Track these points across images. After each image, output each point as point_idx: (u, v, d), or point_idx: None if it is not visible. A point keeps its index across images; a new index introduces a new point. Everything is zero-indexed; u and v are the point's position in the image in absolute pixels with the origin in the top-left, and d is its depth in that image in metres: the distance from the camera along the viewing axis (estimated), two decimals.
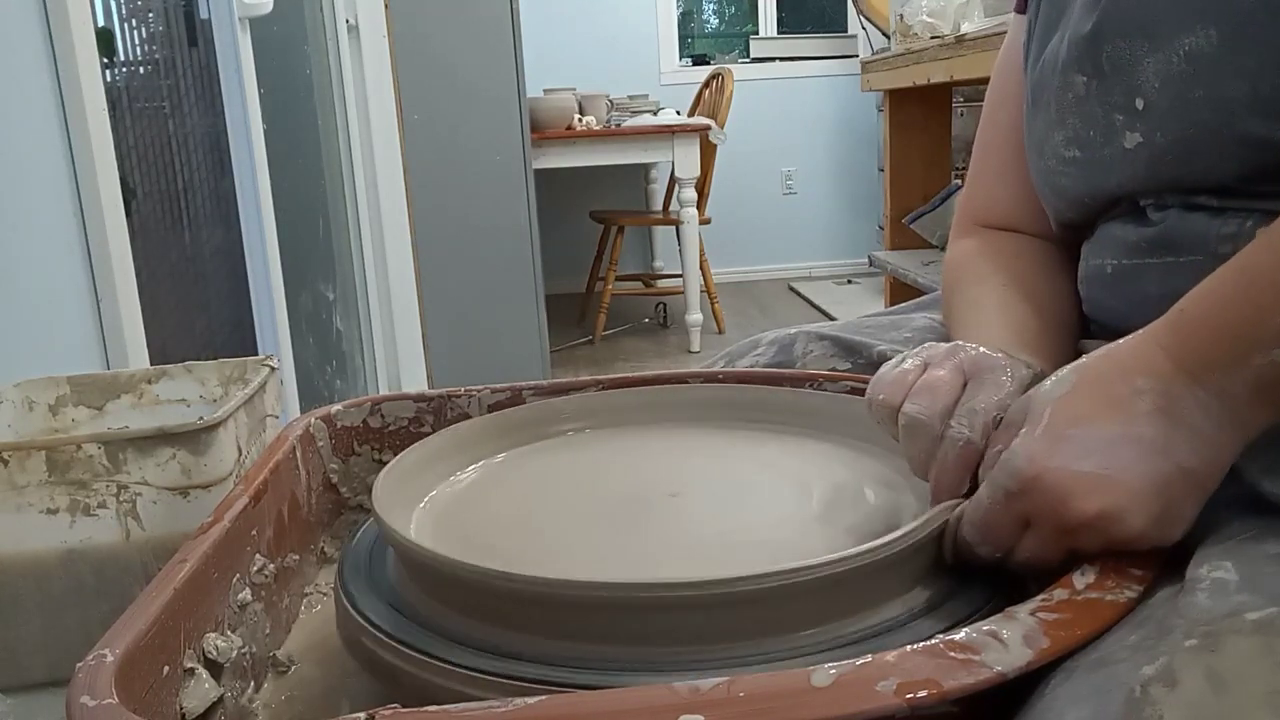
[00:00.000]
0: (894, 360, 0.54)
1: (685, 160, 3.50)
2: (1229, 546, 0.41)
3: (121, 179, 1.16)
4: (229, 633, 0.50)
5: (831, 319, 3.39)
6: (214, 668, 0.48)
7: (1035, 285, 0.65)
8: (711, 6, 5.46)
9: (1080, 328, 0.63)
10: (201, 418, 0.60)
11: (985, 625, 0.38)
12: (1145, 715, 0.33)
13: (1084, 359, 0.47)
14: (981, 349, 0.53)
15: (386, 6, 2.34)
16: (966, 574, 0.49)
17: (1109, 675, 0.35)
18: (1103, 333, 0.59)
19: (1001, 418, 0.49)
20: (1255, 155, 0.48)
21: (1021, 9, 0.69)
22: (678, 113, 4.06)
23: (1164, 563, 0.43)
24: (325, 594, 0.64)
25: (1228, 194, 0.50)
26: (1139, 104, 0.53)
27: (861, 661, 0.36)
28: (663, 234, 4.85)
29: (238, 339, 1.79)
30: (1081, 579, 0.41)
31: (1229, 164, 0.49)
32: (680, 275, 3.77)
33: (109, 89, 1.15)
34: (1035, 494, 0.43)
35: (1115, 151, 0.55)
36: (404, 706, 0.35)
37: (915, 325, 0.78)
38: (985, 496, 0.46)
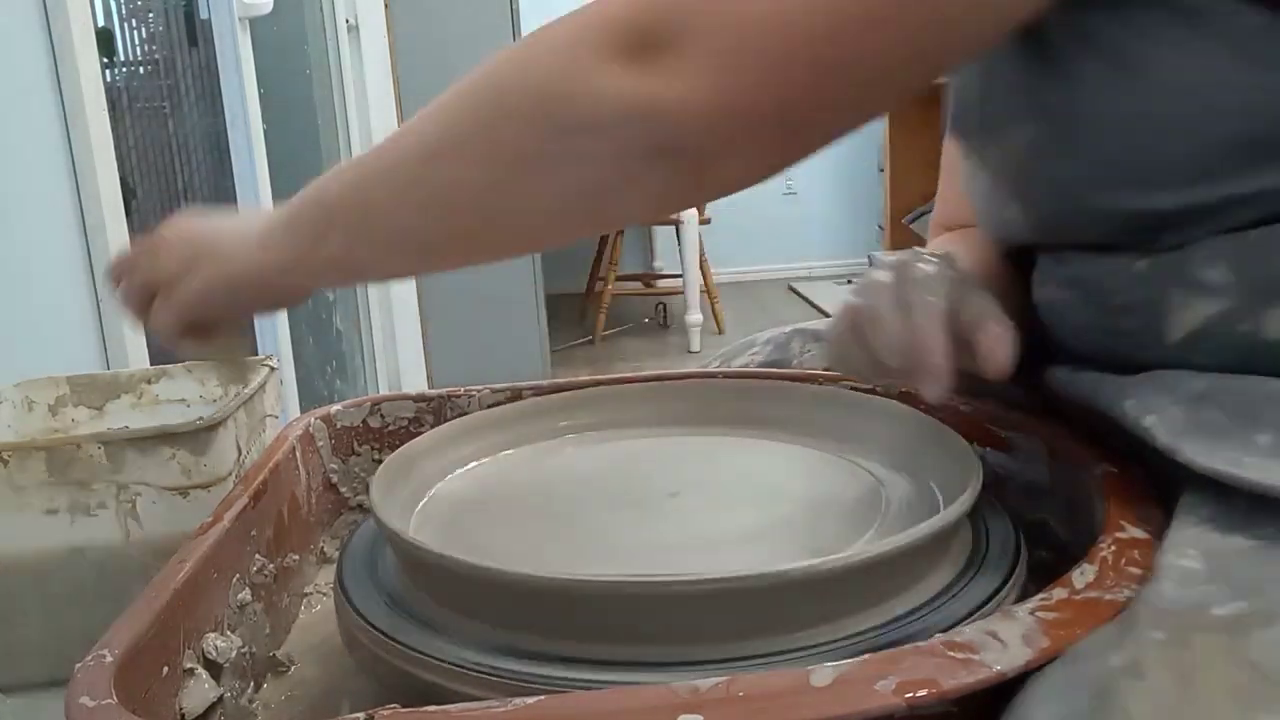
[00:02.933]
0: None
1: None
2: (1193, 534, 0.42)
3: (121, 179, 1.16)
4: (229, 633, 0.50)
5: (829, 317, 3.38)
6: (214, 668, 0.48)
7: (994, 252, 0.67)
8: None
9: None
10: (201, 418, 0.60)
11: (984, 625, 0.38)
12: (1112, 706, 0.33)
13: None
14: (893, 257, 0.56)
15: (386, 6, 2.35)
16: (968, 574, 0.49)
17: (1079, 671, 0.35)
18: (1054, 350, 0.61)
19: (952, 275, 0.52)
20: (1114, 222, 0.50)
21: None
22: None
23: None
24: (325, 594, 0.64)
25: (1113, 246, 0.52)
26: (1005, 186, 0.57)
27: (861, 661, 0.36)
28: (662, 234, 4.85)
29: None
30: (1081, 578, 0.41)
31: (1094, 229, 0.52)
32: (680, 275, 3.77)
33: (109, 89, 1.15)
34: None
35: (1009, 215, 0.58)
36: (404, 706, 0.36)
37: None
38: None
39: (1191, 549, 0.40)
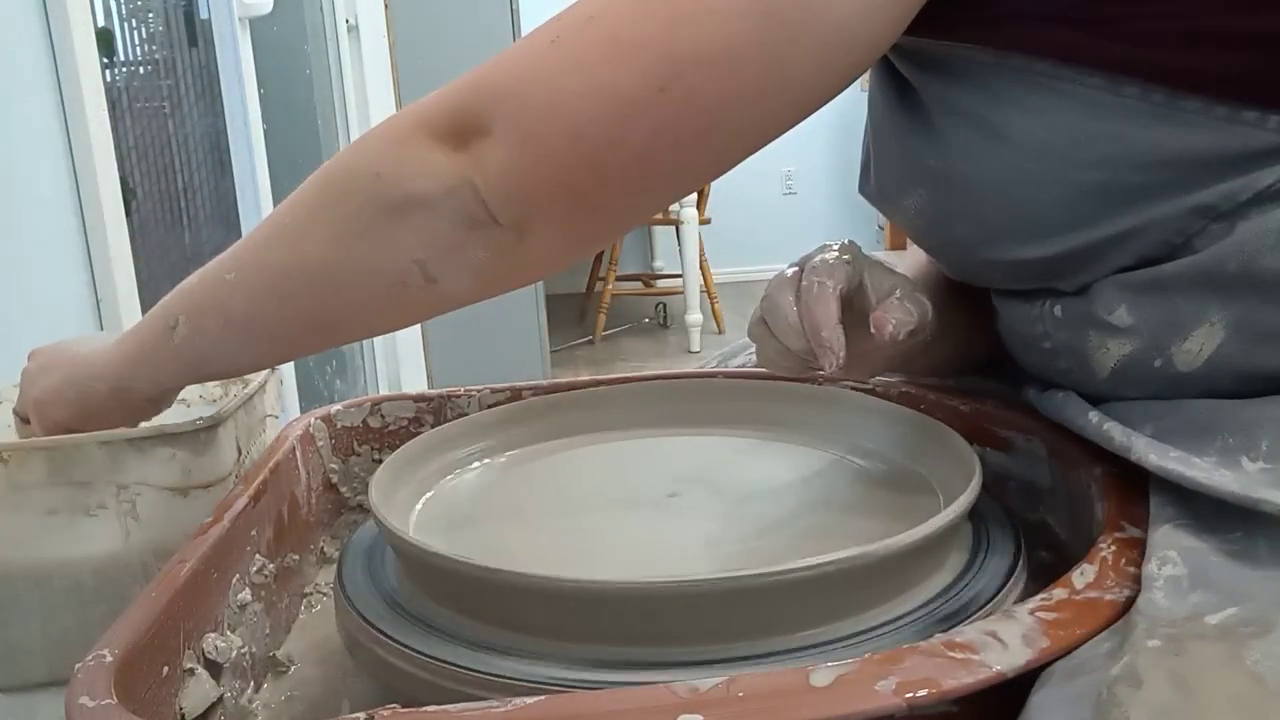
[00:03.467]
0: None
1: None
2: (1167, 533, 0.42)
3: (121, 179, 1.16)
4: (229, 633, 0.50)
5: None
6: (214, 668, 0.48)
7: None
8: None
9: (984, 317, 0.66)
10: (201, 418, 0.60)
11: (984, 625, 0.38)
12: (1112, 716, 0.33)
13: None
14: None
15: (386, 6, 2.35)
16: (967, 574, 0.49)
17: (1083, 685, 0.36)
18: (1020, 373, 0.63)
19: (847, 259, 0.54)
20: (1006, 272, 0.54)
21: None
22: None
23: None
24: (325, 594, 0.64)
25: (1027, 291, 0.55)
26: (908, 236, 0.61)
27: (861, 661, 0.36)
28: (662, 234, 4.85)
29: None
30: (1081, 578, 0.41)
31: (994, 276, 0.56)
32: (680, 275, 3.77)
33: (109, 89, 1.15)
34: None
35: (929, 250, 0.62)
36: (404, 706, 0.36)
37: None
38: None
39: (1170, 551, 0.41)
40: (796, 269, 0.55)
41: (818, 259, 0.54)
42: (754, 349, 0.80)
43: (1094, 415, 0.50)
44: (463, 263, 0.51)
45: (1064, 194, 0.48)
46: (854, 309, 0.54)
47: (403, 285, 0.52)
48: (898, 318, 0.53)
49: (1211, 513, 0.42)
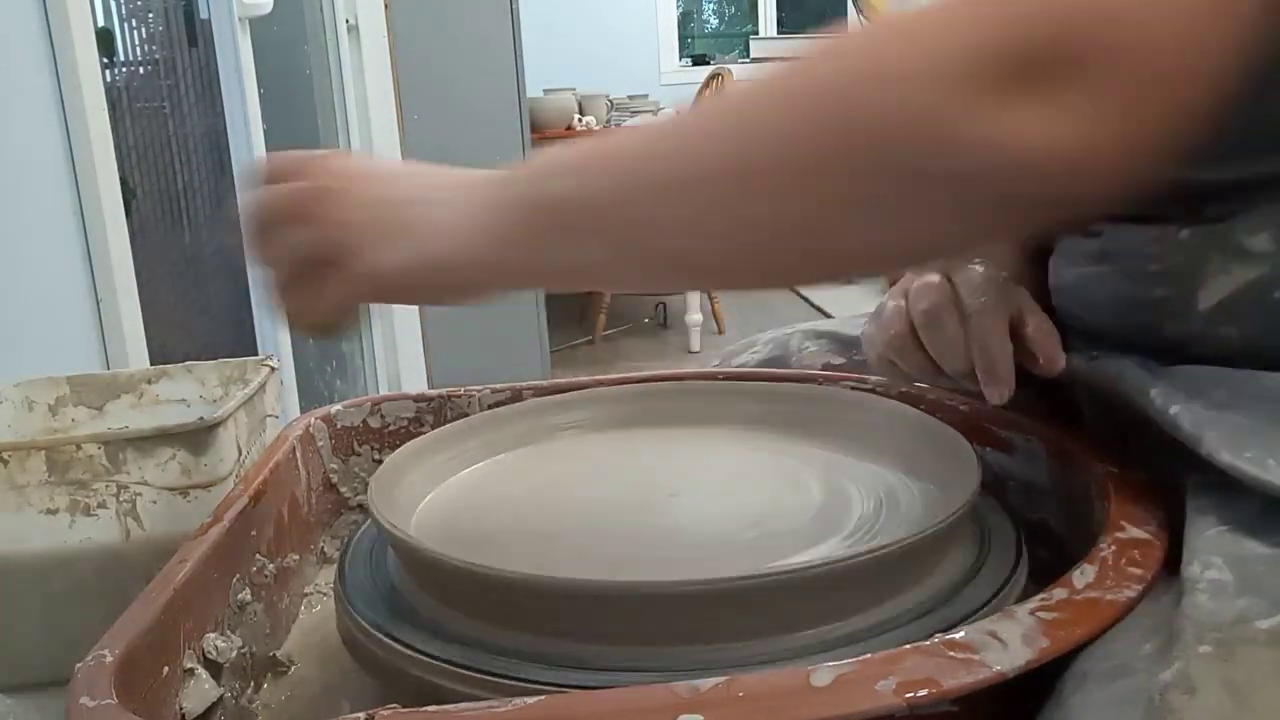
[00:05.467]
0: (871, 315, 0.56)
1: None
2: (1211, 539, 0.41)
3: (121, 179, 1.16)
4: (229, 633, 0.50)
5: (831, 318, 3.38)
6: (214, 668, 0.48)
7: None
8: (711, 6, 5.47)
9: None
10: (201, 418, 0.60)
11: (984, 625, 0.38)
12: None
13: None
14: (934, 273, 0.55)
15: (386, 7, 2.34)
16: (967, 574, 0.49)
17: (1129, 687, 0.35)
18: (1072, 337, 0.60)
19: (1003, 275, 0.51)
20: (1157, 190, 0.49)
21: None
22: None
23: (1164, 561, 0.43)
24: (325, 594, 0.64)
25: (1155, 217, 0.52)
26: None
27: (861, 661, 0.36)
28: None
29: (238, 339, 1.79)
30: (1081, 578, 0.41)
31: (1142, 198, 0.50)
32: None
33: (109, 89, 1.15)
34: None
35: None
36: (404, 706, 0.36)
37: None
38: None
39: (1215, 557, 0.40)
40: (944, 279, 0.52)
41: (974, 274, 0.51)
42: (757, 348, 0.80)
43: (1157, 394, 0.47)
44: (972, 237, 0.41)
45: (1249, 119, 0.41)
46: None
47: (889, 257, 0.42)
48: (1059, 344, 0.51)
49: (1258, 513, 0.41)
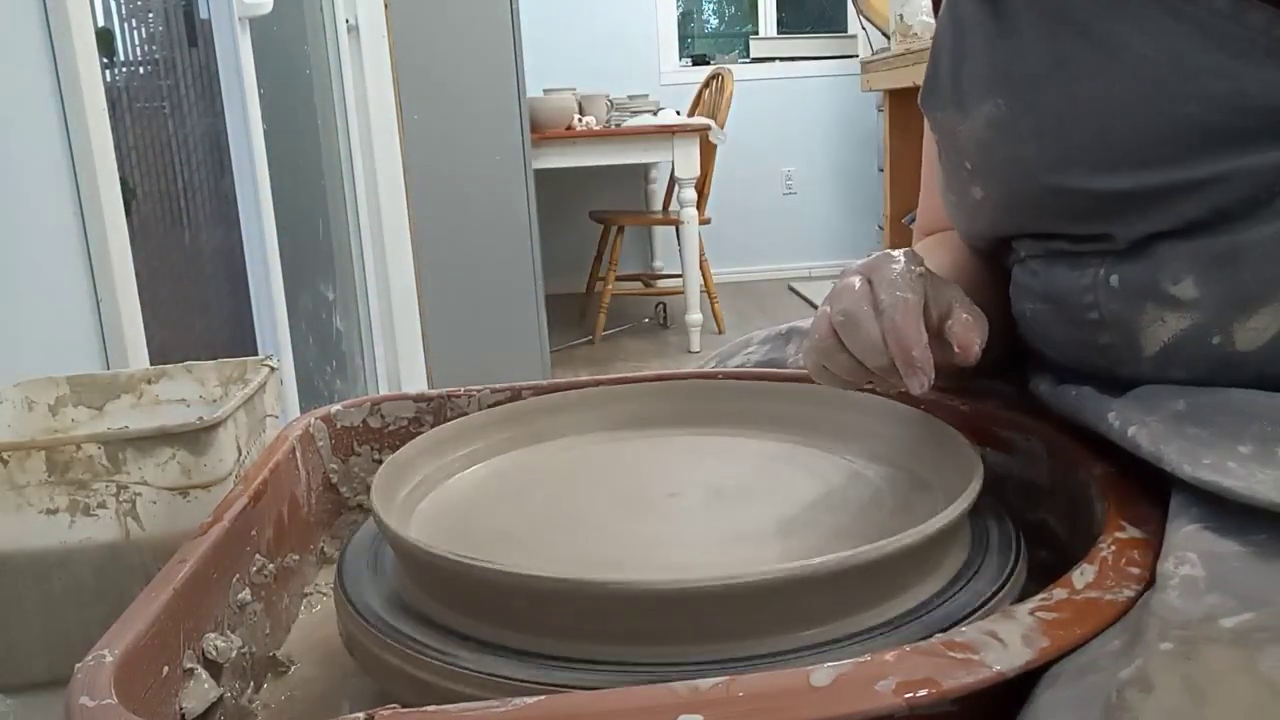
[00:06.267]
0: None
1: (685, 160, 3.49)
2: (1189, 535, 0.41)
3: (121, 179, 1.16)
4: (229, 633, 0.50)
5: None
6: (214, 668, 0.48)
7: (976, 263, 0.67)
8: (711, 6, 5.46)
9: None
10: (201, 418, 0.60)
11: (984, 625, 0.38)
12: None
13: None
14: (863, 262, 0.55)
15: (386, 6, 2.34)
16: (968, 574, 0.49)
17: (1092, 685, 0.35)
18: (1037, 363, 0.61)
19: (921, 271, 0.51)
20: (1069, 204, 0.51)
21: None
22: (678, 113, 4.05)
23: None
24: (325, 594, 0.64)
25: (1078, 239, 0.53)
26: (967, 165, 0.57)
27: (861, 661, 0.36)
28: (663, 234, 4.84)
29: (238, 339, 1.79)
30: (1081, 578, 0.41)
31: (1054, 214, 0.53)
32: (680, 275, 3.77)
33: (109, 89, 1.15)
34: None
35: (970, 201, 0.59)
36: (404, 706, 0.36)
37: None
38: None
39: (1190, 553, 0.40)
40: (863, 280, 0.53)
41: (892, 271, 0.52)
42: (752, 349, 0.80)
43: (1114, 418, 0.49)
44: None
45: (1156, 124, 0.45)
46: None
47: None
48: (980, 335, 0.51)
49: (1237, 511, 0.41)
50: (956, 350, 0.52)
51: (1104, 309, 0.51)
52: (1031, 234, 0.56)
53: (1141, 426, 0.47)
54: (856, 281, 0.53)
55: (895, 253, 0.54)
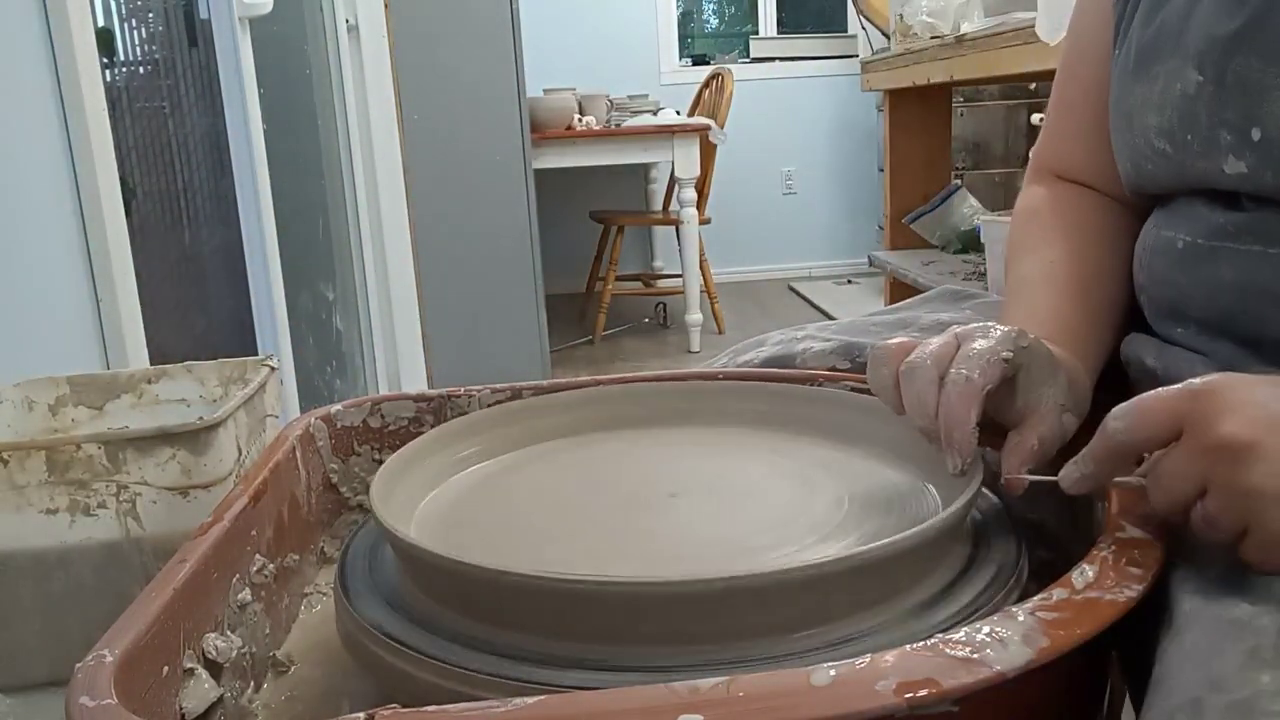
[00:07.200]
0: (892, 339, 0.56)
1: (685, 160, 3.50)
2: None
3: (121, 179, 1.16)
4: (229, 633, 0.50)
5: (831, 319, 3.39)
6: (214, 668, 0.48)
7: (1090, 262, 0.65)
8: (711, 6, 5.46)
9: (1126, 313, 0.63)
10: (201, 418, 0.60)
11: (985, 624, 0.38)
12: None
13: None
14: (974, 323, 0.54)
15: (386, 6, 2.34)
16: (968, 573, 0.49)
17: (1228, 700, 0.34)
18: (1153, 308, 0.59)
19: (1006, 357, 0.49)
20: None
21: None
22: (678, 113, 4.05)
23: (1163, 562, 0.43)
24: (325, 594, 0.64)
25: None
26: (1255, 134, 0.50)
27: (861, 661, 0.36)
28: (663, 234, 4.84)
29: (238, 339, 1.79)
30: (1081, 578, 0.41)
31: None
32: (680, 275, 3.77)
33: (109, 89, 1.15)
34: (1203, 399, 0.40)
35: (1212, 168, 0.53)
36: (404, 706, 0.36)
37: (922, 324, 0.77)
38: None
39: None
40: (953, 342, 0.51)
41: (977, 346, 0.50)
42: (765, 347, 0.80)
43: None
44: None
45: None
46: (995, 401, 0.51)
47: None
48: (1016, 463, 0.50)
49: None
50: (1002, 482, 0.51)
51: None
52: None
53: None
54: (945, 340, 0.52)
55: (997, 328, 0.52)
